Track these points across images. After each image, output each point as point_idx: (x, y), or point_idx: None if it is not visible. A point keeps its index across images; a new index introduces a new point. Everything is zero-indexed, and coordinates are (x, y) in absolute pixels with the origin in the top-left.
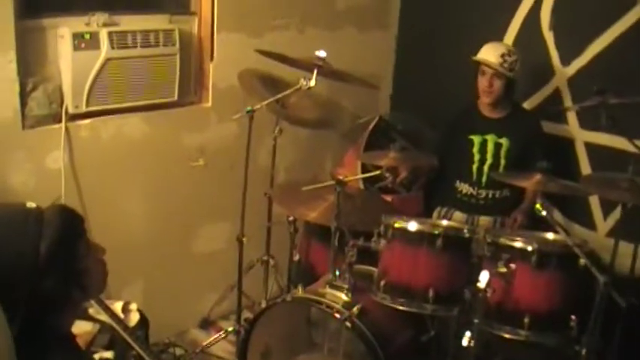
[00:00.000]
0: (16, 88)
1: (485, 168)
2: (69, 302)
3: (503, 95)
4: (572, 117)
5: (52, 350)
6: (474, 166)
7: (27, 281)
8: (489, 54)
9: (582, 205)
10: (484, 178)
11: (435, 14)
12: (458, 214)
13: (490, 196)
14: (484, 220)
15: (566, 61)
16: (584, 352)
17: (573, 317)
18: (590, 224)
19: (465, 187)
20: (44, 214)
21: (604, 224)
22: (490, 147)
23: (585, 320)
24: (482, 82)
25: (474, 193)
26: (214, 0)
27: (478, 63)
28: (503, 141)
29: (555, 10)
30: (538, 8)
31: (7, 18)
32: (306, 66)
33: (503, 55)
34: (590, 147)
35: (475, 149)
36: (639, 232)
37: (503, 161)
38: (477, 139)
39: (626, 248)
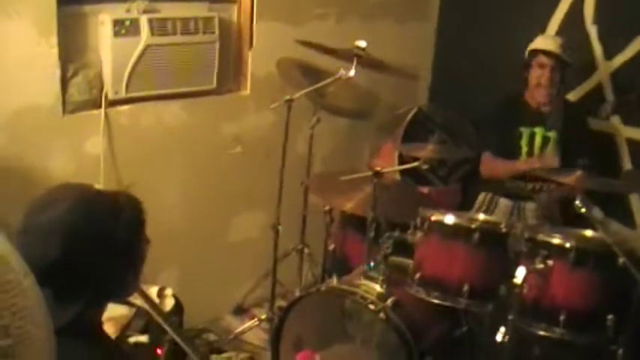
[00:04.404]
0: (58, 73)
1: None
2: (123, 287)
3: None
4: None
5: (80, 339)
6: (521, 159)
7: (99, 263)
8: (549, 44)
9: (622, 203)
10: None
11: (475, 6)
12: (503, 201)
13: (537, 188)
14: (531, 205)
15: (609, 55)
16: (620, 352)
17: (610, 317)
18: (630, 223)
19: (510, 180)
20: (118, 199)
21: None
22: (538, 140)
23: (622, 320)
24: (542, 76)
25: (521, 185)
26: None
27: (532, 56)
28: (552, 134)
29: (599, 3)
30: (582, 1)
31: (50, 4)
32: (346, 55)
33: (562, 46)
34: (631, 143)
35: (523, 142)
36: None
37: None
38: (525, 132)
39: None
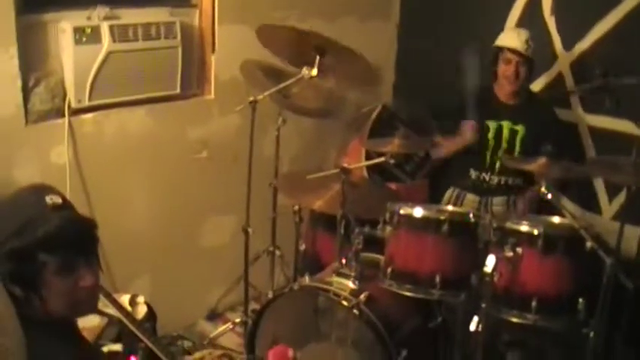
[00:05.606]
0: (19, 83)
1: (499, 154)
2: (28, 302)
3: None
4: (575, 101)
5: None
6: (488, 153)
7: None
8: (514, 40)
9: (588, 189)
10: (497, 164)
11: (437, 2)
12: (470, 196)
13: (502, 182)
14: (498, 200)
15: (568, 45)
16: (592, 334)
17: (581, 300)
18: (596, 208)
19: (475, 174)
20: (51, 212)
21: (609, 208)
22: (505, 133)
23: (593, 303)
24: (508, 70)
25: (487, 178)
26: None
27: (498, 50)
28: (519, 128)
29: None
30: None
31: (8, 13)
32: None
33: (527, 41)
34: (593, 131)
35: (490, 135)
36: None
37: (518, 148)
38: (492, 125)
39: (631, 231)
